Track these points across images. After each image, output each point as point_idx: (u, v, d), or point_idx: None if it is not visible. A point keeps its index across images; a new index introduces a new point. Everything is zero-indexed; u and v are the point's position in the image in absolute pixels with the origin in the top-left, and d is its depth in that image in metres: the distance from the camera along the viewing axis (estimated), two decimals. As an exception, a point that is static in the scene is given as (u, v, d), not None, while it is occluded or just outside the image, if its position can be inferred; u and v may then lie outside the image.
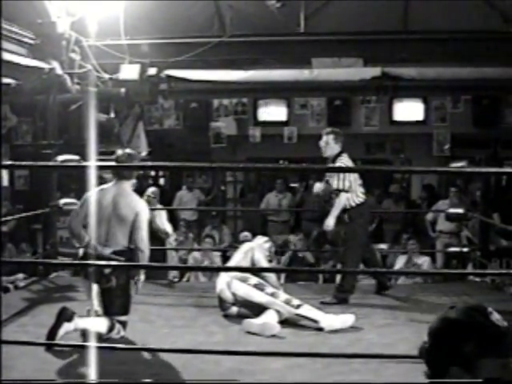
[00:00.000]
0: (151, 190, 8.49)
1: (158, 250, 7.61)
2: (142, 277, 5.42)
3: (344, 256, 7.00)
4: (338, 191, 6.68)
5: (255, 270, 6.47)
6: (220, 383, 4.40)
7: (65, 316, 4.95)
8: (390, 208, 11.23)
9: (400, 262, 8.82)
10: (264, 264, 6.31)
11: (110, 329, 5.17)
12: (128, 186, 5.45)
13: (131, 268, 5.41)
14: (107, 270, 5.16)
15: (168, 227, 8.18)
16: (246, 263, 6.25)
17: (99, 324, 5.15)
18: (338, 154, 6.80)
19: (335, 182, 6.68)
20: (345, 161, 6.76)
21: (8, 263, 8.22)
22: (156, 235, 7.58)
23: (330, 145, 6.85)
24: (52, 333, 4.83)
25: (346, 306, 6.44)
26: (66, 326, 4.90)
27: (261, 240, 6.74)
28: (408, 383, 4.12)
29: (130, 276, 5.36)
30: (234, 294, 6.06)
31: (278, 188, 11.53)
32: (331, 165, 6.76)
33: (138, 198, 5.50)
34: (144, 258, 5.28)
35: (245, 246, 6.53)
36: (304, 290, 7.42)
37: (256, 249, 6.42)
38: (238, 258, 6.39)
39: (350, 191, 6.71)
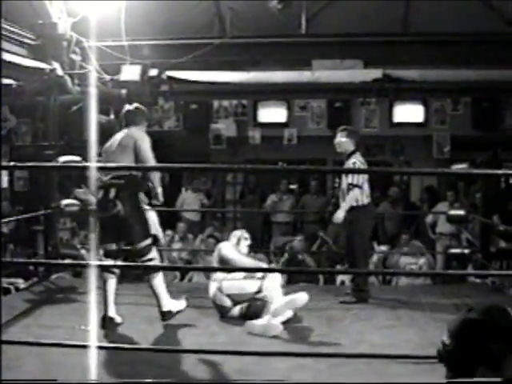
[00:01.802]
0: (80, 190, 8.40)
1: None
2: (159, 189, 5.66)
3: (351, 255, 7.01)
4: (352, 186, 6.74)
5: (256, 270, 6.47)
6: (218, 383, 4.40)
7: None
8: (387, 211, 11.22)
9: (401, 263, 8.85)
10: (233, 254, 6.29)
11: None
12: (137, 130, 5.77)
13: (136, 194, 5.60)
14: (111, 195, 5.43)
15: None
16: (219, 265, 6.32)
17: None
18: (352, 152, 6.89)
19: (349, 177, 6.76)
20: (358, 159, 6.84)
21: (10, 264, 8.23)
22: None
23: (342, 142, 6.95)
24: None
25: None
26: None
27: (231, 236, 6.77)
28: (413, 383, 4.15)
29: (139, 202, 5.59)
30: (229, 296, 6.06)
31: (281, 189, 11.54)
32: (345, 162, 6.87)
33: (139, 133, 5.75)
34: (155, 176, 5.59)
35: (215, 251, 6.53)
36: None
37: (222, 248, 6.43)
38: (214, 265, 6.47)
39: (362, 189, 6.79)
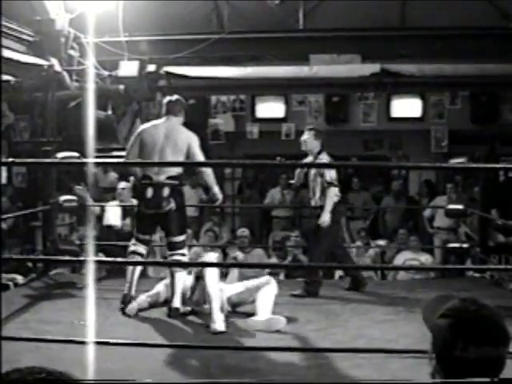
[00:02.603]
0: (123, 184, 8.46)
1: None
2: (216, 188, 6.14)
3: (313, 249, 7.12)
4: (330, 184, 6.81)
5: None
6: (217, 382, 4.39)
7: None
8: (390, 205, 11.24)
9: (401, 258, 8.85)
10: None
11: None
12: (177, 121, 6.15)
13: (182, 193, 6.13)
14: (166, 193, 5.86)
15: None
16: None
17: None
18: (320, 151, 6.98)
19: (327, 176, 6.80)
20: (326, 158, 6.95)
21: (9, 260, 8.23)
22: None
23: (310, 141, 7.04)
24: None
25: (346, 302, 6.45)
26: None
27: None
28: (411, 382, 4.15)
29: (184, 200, 6.12)
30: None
31: (282, 184, 11.52)
32: (313, 160, 6.98)
33: (187, 130, 6.12)
34: (209, 174, 6.07)
35: None
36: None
37: None
38: None
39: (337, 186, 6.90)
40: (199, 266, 6.43)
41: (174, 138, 5.97)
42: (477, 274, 7.92)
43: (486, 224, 8.57)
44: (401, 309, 6.26)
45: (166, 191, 5.87)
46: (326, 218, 6.82)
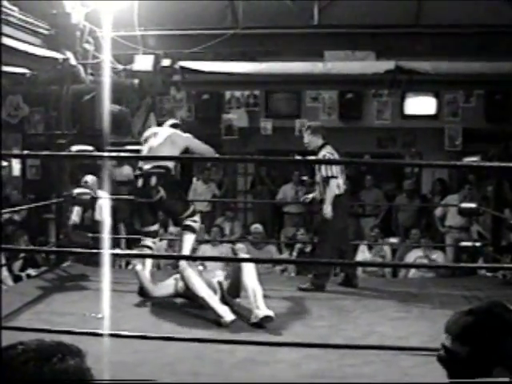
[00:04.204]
0: (89, 177, 8.37)
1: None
2: None
3: (318, 244, 7.18)
4: (328, 178, 6.81)
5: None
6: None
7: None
8: (402, 203, 11.22)
9: (412, 256, 8.83)
10: None
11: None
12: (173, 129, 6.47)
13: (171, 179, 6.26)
14: (153, 182, 6.01)
15: (107, 219, 8.04)
16: None
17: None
18: (322, 146, 6.97)
19: (323, 170, 6.83)
20: (328, 151, 6.91)
21: (22, 251, 8.30)
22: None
23: (309, 139, 7.07)
24: None
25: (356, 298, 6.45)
26: None
27: None
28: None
29: (174, 185, 6.31)
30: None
31: (294, 180, 11.52)
32: (315, 157, 6.99)
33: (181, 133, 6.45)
34: (211, 152, 6.35)
35: None
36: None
37: None
38: None
39: (338, 178, 6.88)
40: (207, 259, 6.46)
41: (170, 136, 6.28)
42: (489, 273, 7.89)
43: (499, 223, 8.53)
44: (412, 306, 6.25)
45: (153, 180, 6.03)
46: (327, 210, 6.81)
